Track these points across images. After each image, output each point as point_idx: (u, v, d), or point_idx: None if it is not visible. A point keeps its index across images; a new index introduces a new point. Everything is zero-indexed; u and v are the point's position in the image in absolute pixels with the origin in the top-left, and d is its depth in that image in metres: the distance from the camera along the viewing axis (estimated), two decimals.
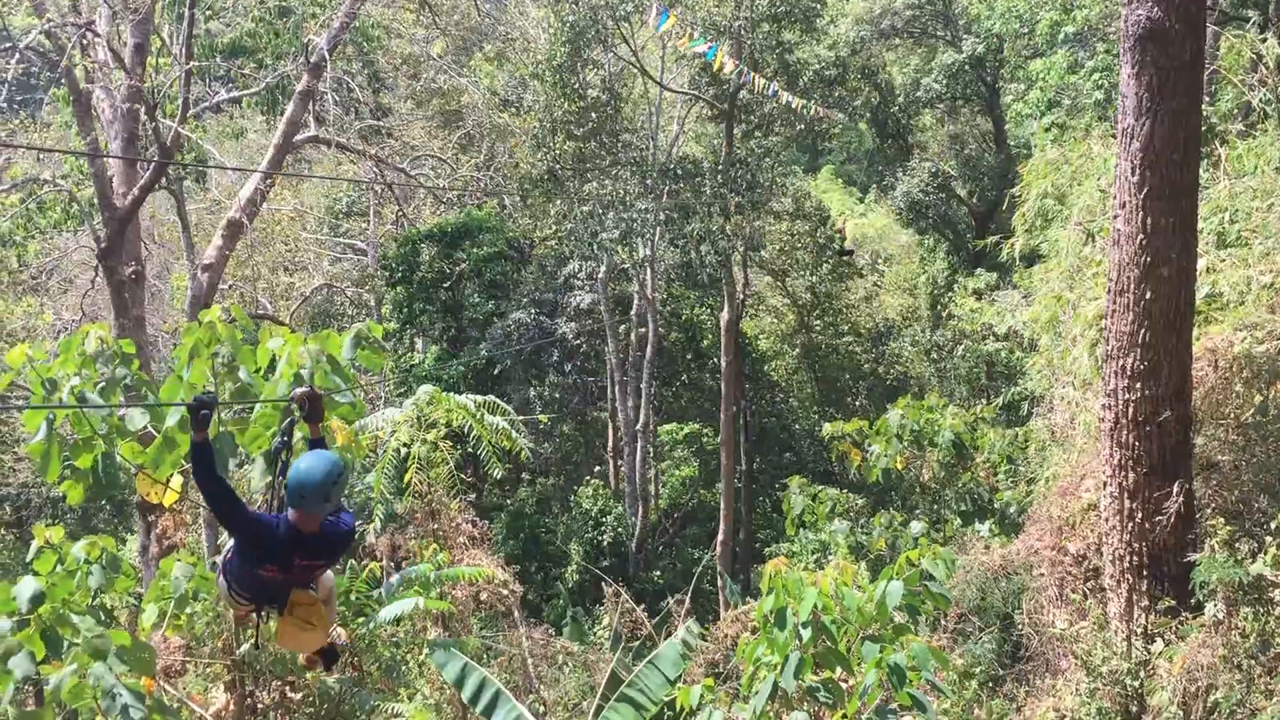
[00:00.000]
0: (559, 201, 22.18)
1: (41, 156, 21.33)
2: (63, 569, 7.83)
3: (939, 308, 31.75)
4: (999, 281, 25.52)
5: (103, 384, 7.35)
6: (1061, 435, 12.97)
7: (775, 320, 33.06)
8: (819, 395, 32.51)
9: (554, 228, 23.34)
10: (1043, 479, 12.82)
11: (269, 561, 6.17)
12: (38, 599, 7.41)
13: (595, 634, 18.50)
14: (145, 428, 7.44)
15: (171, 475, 7.88)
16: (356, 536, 10.18)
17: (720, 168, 20.65)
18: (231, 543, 6.46)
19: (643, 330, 27.36)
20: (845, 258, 32.93)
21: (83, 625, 7.57)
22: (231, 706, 9.55)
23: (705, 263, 23.63)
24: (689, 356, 29.62)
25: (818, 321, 32.21)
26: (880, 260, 39.70)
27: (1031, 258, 15.76)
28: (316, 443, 6.57)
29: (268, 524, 6.14)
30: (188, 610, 9.33)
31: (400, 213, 27.49)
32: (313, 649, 6.75)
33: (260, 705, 10.05)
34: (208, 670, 10.07)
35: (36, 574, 7.68)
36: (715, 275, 26.26)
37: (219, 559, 6.73)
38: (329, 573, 6.73)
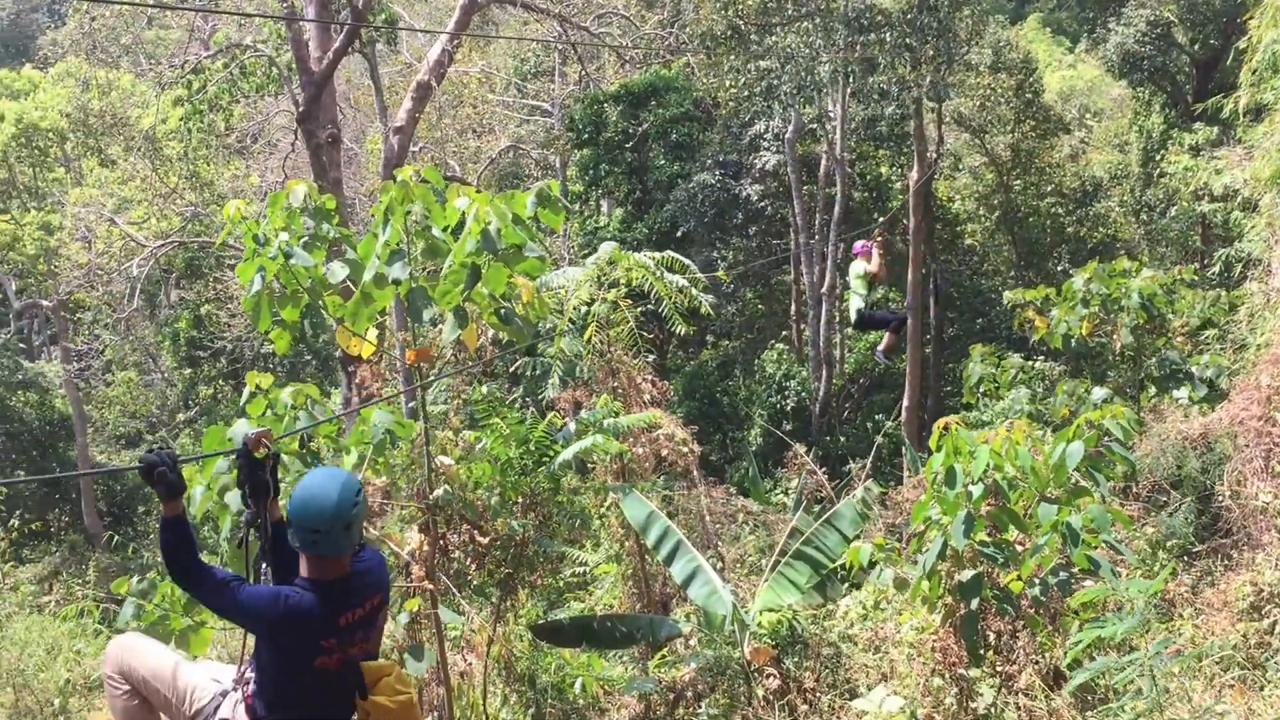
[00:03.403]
0: (738, 57, 21.69)
1: (242, 22, 22.00)
2: (272, 413, 8.26)
3: (1151, 165, 30.15)
4: (1220, 137, 24.11)
5: (306, 238, 7.67)
6: (1278, 300, 12.31)
7: (972, 180, 31.93)
8: (1017, 259, 31.45)
9: (729, 85, 22.88)
10: (1254, 346, 12.25)
11: (320, 639, 4.69)
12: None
13: (776, 496, 18.68)
14: (345, 281, 7.77)
15: (369, 328, 8.26)
16: None
17: (909, 15, 19.75)
18: (248, 665, 5.04)
19: (829, 191, 26.90)
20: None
21: (291, 465, 8.06)
22: (425, 547, 10.00)
23: (889, 117, 22.90)
24: (877, 218, 29.04)
25: (1017, 181, 30.87)
26: (1088, 115, 37.86)
27: (1258, 111, 14.74)
28: (278, 523, 5.08)
29: (287, 594, 4.67)
30: (386, 455, 9.82)
31: (584, 73, 27.42)
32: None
33: (450, 547, 10.54)
34: (403, 512, 10.58)
35: (249, 417, 8.11)
36: (902, 132, 25.51)
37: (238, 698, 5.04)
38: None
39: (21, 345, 36.85)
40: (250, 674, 5.00)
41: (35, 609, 19.94)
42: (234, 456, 5.07)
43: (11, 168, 29.42)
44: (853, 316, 15.90)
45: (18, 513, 26.11)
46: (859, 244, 15.64)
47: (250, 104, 24.55)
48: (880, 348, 17.26)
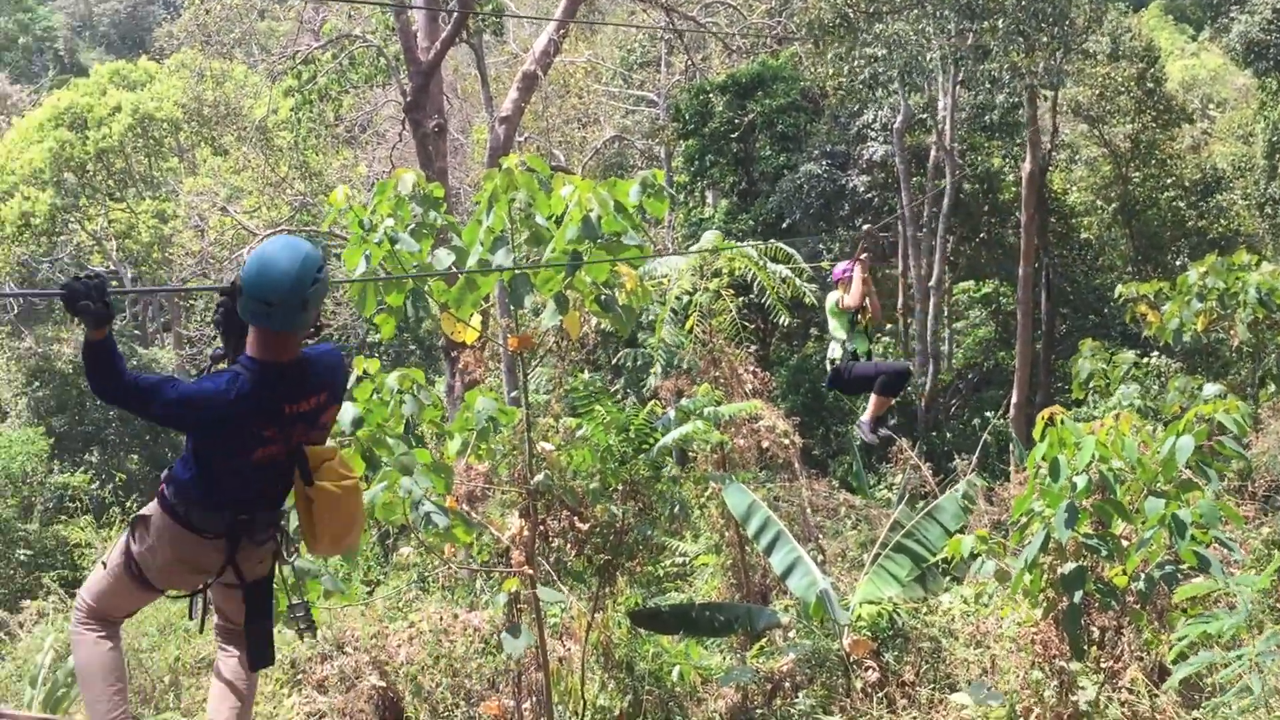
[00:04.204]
0: (844, 45, 21.49)
1: (352, 13, 22.40)
2: (378, 397, 8.42)
3: (1276, 157, 29.21)
4: None
5: (413, 225, 7.81)
6: None
7: (1089, 172, 31.17)
8: (1134, 253, 30.64)
9: (836, 73, 22.65)
10: None
11: (263, 427, 4.30)
12: (358, 422, 8.06)
13: (879, 492, 18.53)
14: (450, 268, 7.89)
15: (473, 314, 8.37)
16: None
17: (1024, 1, 19.34)
18: (173, 470, 4.57)
19: (938, 183, 26.54)
20: None
21: (395, 447, 8.21)
22: (524, 532, 10.11)
23: (1000, 106, 22.46)
24: (986, 210, 28.51)
25: (1137, 173, 30.04)
26: (1211, 105, 36.79)
27: None
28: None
29: (222, 380, 4.26)
30: (488, 441, 9.96)
31: (691, 63, 27.41)
32: (358, 515, 4.62)
33: (550, 533, 10.65)
34: (504, 497, 10.70)
35: (355, 400, 8.28)
36: (1014, 121, 25.03)
37: (149, 510, 4.64)
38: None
39: (136, 331, 37.99)
40: (179, 472, 4.52)
41: None
42: (219, 294, 4.62)
43: (128, 157, 30.35)
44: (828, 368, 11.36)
45: (134, 496, 27.00)
46: (839, 266, 11.03)
47: (359, 94, 24.97)
48: (863, 418, 11.49)
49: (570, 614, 12.49)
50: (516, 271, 7.71)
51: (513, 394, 13.52)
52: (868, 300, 10.73)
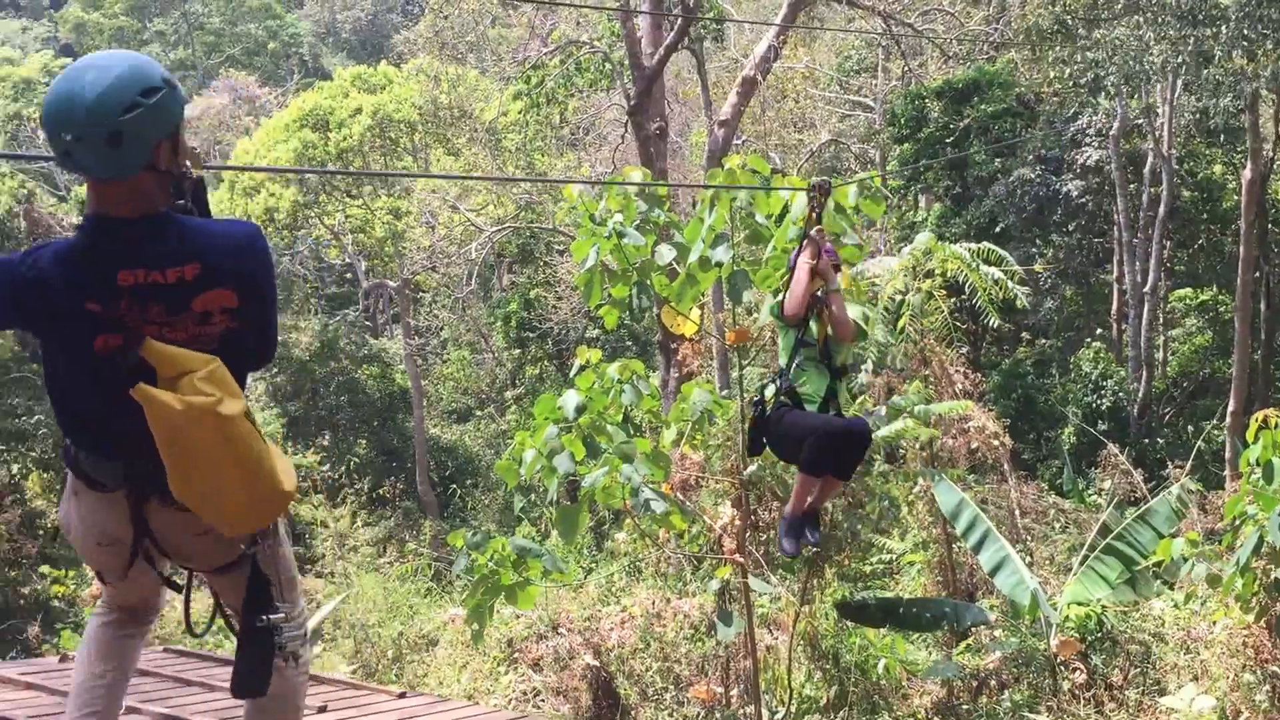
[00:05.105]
0: (1065, 49, 21.18)
1: (580, 20, 23.25)
2: (599, 386, 8.93)
3: None
4: None
5: (639, 221, 8.28)
6: None
7: None
8: None
9: (1055, 77, 22.30)
10: None
11: (85, 298, 3.16)
12: (580, 409, 8.59)
13: (1089, 497, 18.25)
14: (671, 263, 8.34)
15: (692, 308, 8.81)
16: None
17: (1248, 7, 18.73)
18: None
19: (1155, 189, 25.82)
20: None
21: (615, 435, 8.71)
22: (736, 521, 10.49)
23: (1223, 110, 21.70)
24: (1205, 218, 27.55)
25: None
26: None
27: None
28: None
29: (45, 245, 3.29)
30: (703, 432, 10.39)
31: (907, 69, 27.37)
32: (222, 460, 3.19)
33: (761, 523, 11.03)
34: (716, 487, 11.12)
35: (578, 389, 8.80)
36: (1236, 126, 24.19)
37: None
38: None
39: (367, 322, 39.90)
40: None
41: (373, 569, 21.79)
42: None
43: (365, 156, 31.84)
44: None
45: (366, 479, 28.49)
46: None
47: (583, 98, 25.78)
48: (785, 510, 6.83)
49: (779, 604, 12.83)
50: (736, 268, 8.07)
51: (724, 391, 13.93)
52: (828, 307, 6.35)
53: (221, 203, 32.72)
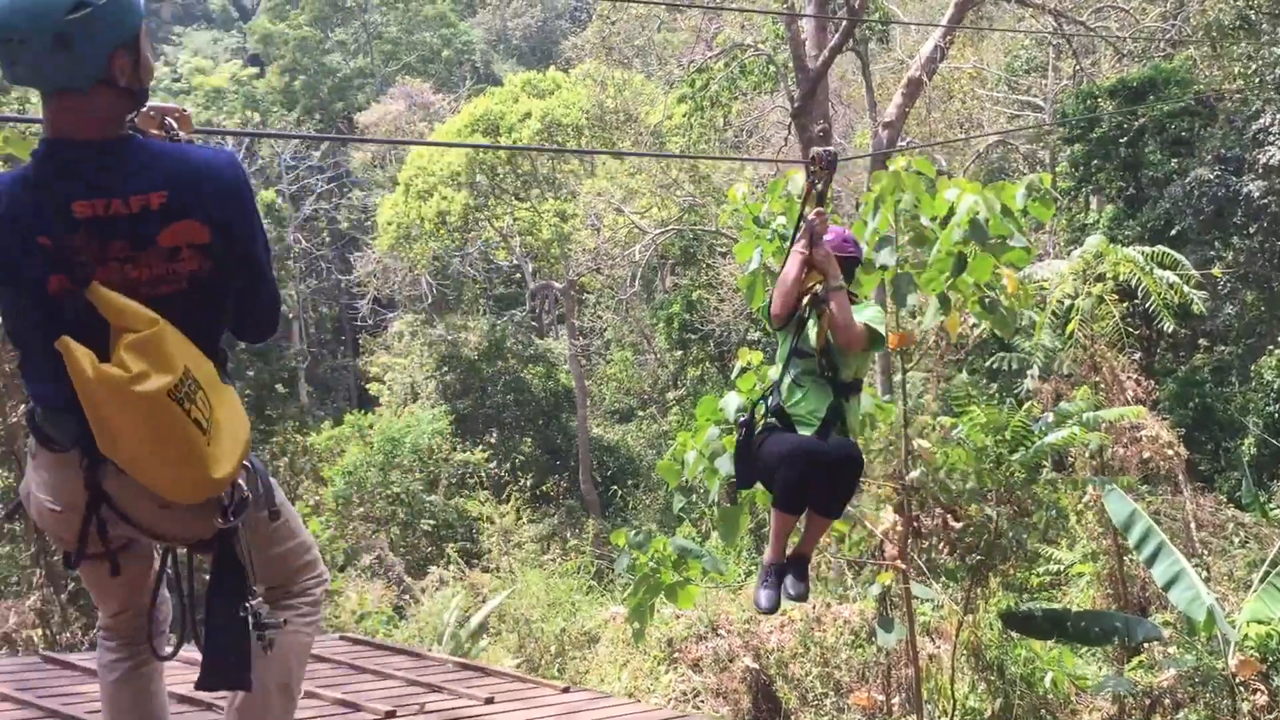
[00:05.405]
0: (1250, 44, 20.37)
1: (744, 24, 23.31)
2: (760, 388, 8.93)
3: None
4: None
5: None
6: None
7: None
8: None
9: (1239, 74, 21.45)
10: None
11: (36, 232, 2.84)
12: (741, 410, 8.61)
13: (1272, 510, 17.53)
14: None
15: None
16: None
17: None
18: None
19: None
20: None
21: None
22: (898, 527, 10.40)
23: None
24: None
25: None
26: None
27: None
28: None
29: None
30: (865, 436, 10.32)
31: (1079, 68, 26.66)
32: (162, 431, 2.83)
33: (923, 530, 10.90)
34: (878, 492, 11.04)
35: (739, 390, 8.84)
36: None
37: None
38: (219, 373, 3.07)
39: (533, 323, 40.65)
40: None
41: (537, 565, 22.22)
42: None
43: (533, 159, 32.45)
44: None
45: (530, 475, 29.05)
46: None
47: (747, 100, 25.82)
48: (764, 556, 5.92)
49: (941, 612, 12.67)
50: (900, 271, 8.02)
51: (885, 396, 13.82)
52: (828, 308, 5.38)
53: (396, 205, 33.76)
